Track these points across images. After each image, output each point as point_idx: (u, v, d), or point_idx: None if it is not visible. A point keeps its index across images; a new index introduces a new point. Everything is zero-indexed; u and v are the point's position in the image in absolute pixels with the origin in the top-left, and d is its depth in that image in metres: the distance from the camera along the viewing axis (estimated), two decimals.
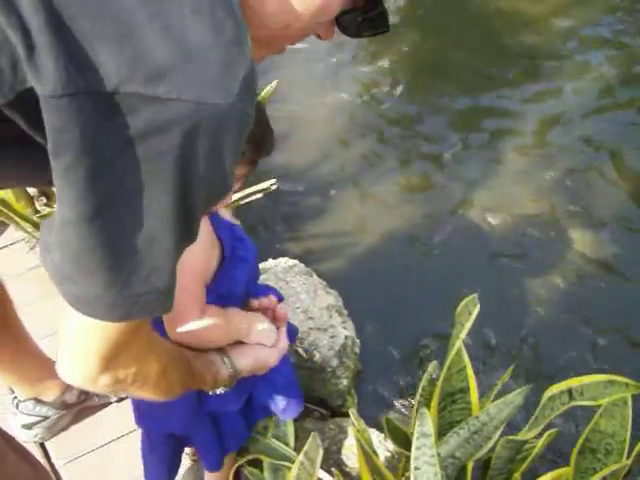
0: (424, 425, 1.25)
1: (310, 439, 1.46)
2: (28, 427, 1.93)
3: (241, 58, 0.74)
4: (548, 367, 2.23)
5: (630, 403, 1.36)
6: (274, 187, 2.20)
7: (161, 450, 1.66)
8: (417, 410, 1.30)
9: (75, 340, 0.89)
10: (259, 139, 1.25)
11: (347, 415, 2.25)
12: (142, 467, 1.82)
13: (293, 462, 1.69)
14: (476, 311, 1.38)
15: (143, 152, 0.71)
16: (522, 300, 2.65)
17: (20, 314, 1.76)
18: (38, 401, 1.90)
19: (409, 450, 1.36)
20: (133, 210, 0.73)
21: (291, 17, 0.87)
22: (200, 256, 1.28)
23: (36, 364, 1.86)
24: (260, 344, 1.41)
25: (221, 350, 1.35)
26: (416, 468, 1.25)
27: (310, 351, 2.10)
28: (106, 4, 0.69)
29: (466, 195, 3.08)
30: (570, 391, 1.28)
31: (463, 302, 1.44)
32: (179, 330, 1.27)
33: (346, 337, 2.16)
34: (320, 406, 2.21)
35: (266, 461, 1.71)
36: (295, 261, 2.36)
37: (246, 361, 1.37)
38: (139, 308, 0.81)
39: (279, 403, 1.60)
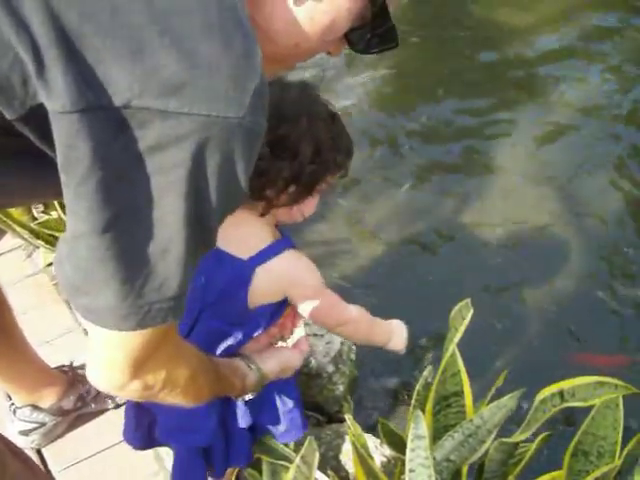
0: (419, 428, 1.27)
1: (306, 443, 1.47)
2: (25, 433, 1.94)
3: (251, 71, 0.75)
4: (543, 370, 2.24)
5: (621, 405, 1.38)
6: None
7: (199, 460, 1.61)
8: (412, 413, 1.31)
9: (100, 350, 0.90)
10: (348, 148, 1.33)
11: (343, 421, 2.26)
12: (136, 475, 1.84)
13: (291, 462, 1.70)
14: (469, 315, 1.40)
15: (154, 166, 0.72)
16: (518, 305, 2.68)
17: (17, 321, 1.77)
18: (35, 407, 1.91)
19: (404, 454, 1.38)
20: (145, 222, 0.75)
21: (300, 37, 0.89)
22: (316, 272, 1.38)
23: (33, 371, 1.87)
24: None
25: (245, 356, 1.38)
26: (411, 470, 1.27)
27: (306, 357, 2.11)
28: (116, 21, 0.70)
29: (468, 204, 3.10)
30: (562, 393, 1.30)
31: (457, 307, 1.46)
32: (339, 328, 1.45)
33: (342, 343, 2.17)
34: (316, 412, 2.22)
35: (265, 461, 1.72)
36: None
37: (271, 364, 1.39)
38: (151, 318, 0.82)
39: (280, 427, 1.60)
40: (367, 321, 1.47)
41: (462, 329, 1.39)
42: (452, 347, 1.40)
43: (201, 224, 0.78)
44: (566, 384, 1.31)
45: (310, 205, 1.34)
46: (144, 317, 0.81)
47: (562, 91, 3.75)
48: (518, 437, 1.34)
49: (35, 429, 1.94)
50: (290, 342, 1.50)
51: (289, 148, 1.23)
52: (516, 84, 3.84)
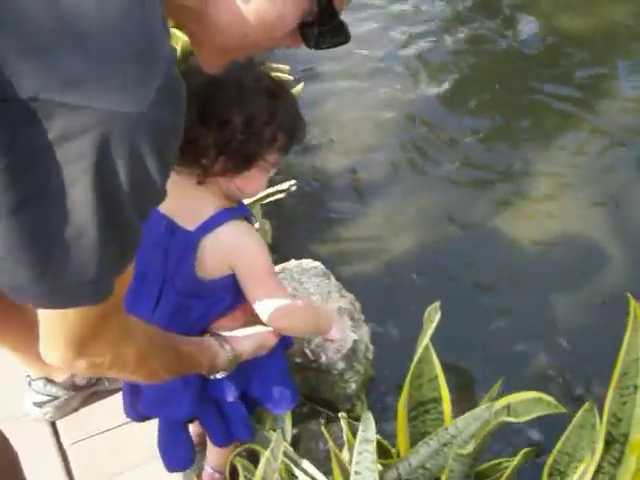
0: (367, 430, 1.23)
1: (275, 436, 1.46)
2: (39, 405, 2.02)
3: (154, 67, 0.77)
4: (534, 378, 2.14)
5: (598, 427, 1.28)
6: (294, 188, 2.21)
7: (181, 435, 1.71)
8: (363, 415, 1.28)
9: (44, 327, 0.95)
10: (290, 128, 1.34)
11: (355, 420, 2.24)
12: (146, 452, 1.88)
13: (286, 457, 1.70)
14: (437, 318, 1.34)
15: (62, 156, 0.75)
16: (517, 314, 2.60)
17: None
18: (48, 381, 1.99)
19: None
20: (58, 207, 0.78)
21: (247, 29, 0.92)
22: (266, 254, 1.38)
23: None
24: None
25: (219, 335, 1.41)
26: (357, 473, 1.23)
27: (317, 352, 2.09)
28: (20, 19, 0.73)
29: (496, 210, 3.04)
30: (509, 407, 1.23)
31: (427, 311, 1.40)
32: (280, 319, 1.37)
33: (355, 341, 2.14)
34: (329, 409, 2.20)
35: (263, 452, 1.72)
36: (317, 263, 2.36)
37: (246, 344, 1.42)
38: (70, 298, 0.85)
39: (271, 397, 1.62)
40: (314, 312, 1.45)
41: (430, 332, 1.34)
42: (420, 350, 1.34)
43: (113, 214, 0.81)
44: (512, 399, 1.23)
45: (252, 183, 1.34)
46: (62, 296, 0.85)
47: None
48: (465, 449, 1.27)
49: (48, 402, 2.01)
50: None
51: (217, 116, 1.25)
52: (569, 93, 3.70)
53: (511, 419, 1.22)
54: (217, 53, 0.97)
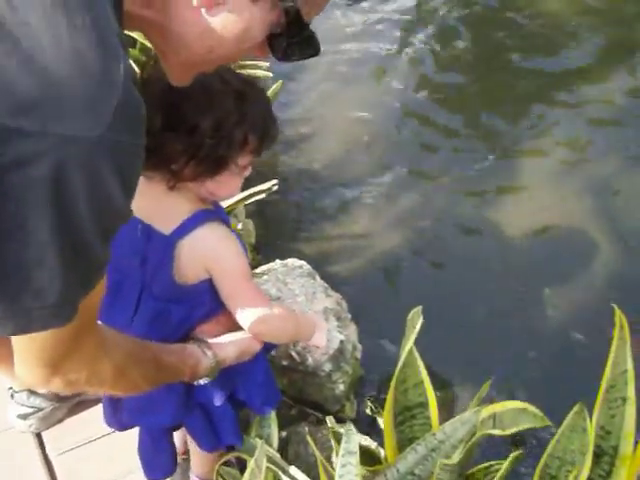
0: (350, 442, 1.20)
1: (259, 447, 1.43)
2: (23, 417, 1.99)
3: (110, 88, 0.75)
4: (521, 380, 2.12)
5: (590, 430, 1.26)
6: (276, 187, 2.18)
7: (164, 444, 1.69)
8: (345, 427, 1.25)
9: (17, 348, 0.93)
10: (262, 129, 1.30)
11: (344, 421, 2.21)
12: (132, 462, 1.85)
13: (273, 463, 1.68)
14: (419, 323, 1.31)
15: (16, 183, 0.73)
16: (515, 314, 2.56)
17: None
18: (32, 392, 1.96)
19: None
20: (15, 234, 0.76)
21: (213, 42, 0.91)
22: (242, 258, 1.34)
23: None
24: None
25: (201, 341, 1.38)
26: None
27: (303, 354, 2.06)
28: None
29: (482, 206, 3.01)
30: (494, 416, 1.20)
31: (409, 315, 1.37)
32: (257, 325, 1.34)
33: (342, 342, 2.11)
34: (316, 410, 2.18)
35: (250, 460, 1.70)
36: (302, 262, 2.33)
37: (229, 350, 1.39)
38: (30, 322, 0.83)
39: (258, 399, 1.61)
40: (294, 318, 1.42)
41: (413, 337, 1.31)
42: (404, 355, 1.31)
43: (73, 240, 0.79)
44: (498, 407, 1.21)
45: (224, 187, 1.31)
46: (23, 321, 0.82)
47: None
48: (454, 459, 1.25)
49: (33, 413, 1.98)
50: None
51: (184, 121, 1.22)
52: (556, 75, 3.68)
53: (496, 431, 1.19)
54: (183, 67, 0.96)
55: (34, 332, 0.85)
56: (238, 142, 1.26)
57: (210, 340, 1.39)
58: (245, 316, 1.34)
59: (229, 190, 1.34)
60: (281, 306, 1.40)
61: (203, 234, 1.31)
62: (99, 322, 1.00)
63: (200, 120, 1.22)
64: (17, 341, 0.90)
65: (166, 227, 1.32)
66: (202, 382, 1.39)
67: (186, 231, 1.31)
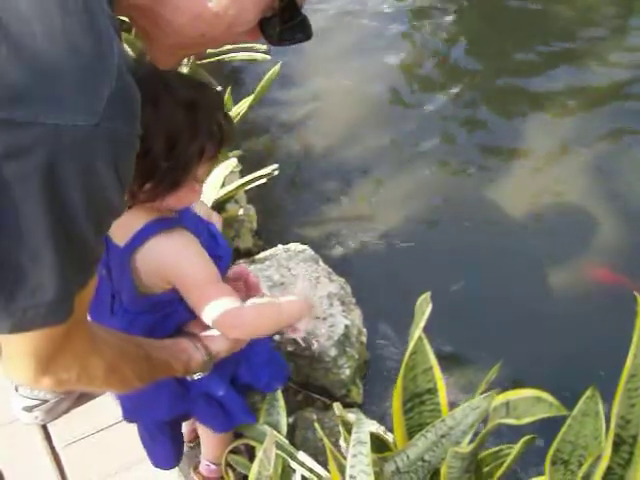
0: (361, 432, 1.19)
1: (267, 438, 1.42)
2: (28, 410, 1.98)
3: (104, 75, 0.73)
4: (533, 370, 2.09)
5: (602, 414, 1.24)
6: (276, 172, 2.15)
7: (162, 438, 1.68)
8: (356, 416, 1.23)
9: (7, 346, 0.91)
10: (217, 134, 1.22)
11: (351, 405, 2.21)
12: (140, 452, 1.85)
13: (282, 449, 1.67)
14: (428, 310, 1.29)
15: (9, 175, 0.71)
16: (517, 299, 2.52)
17: None
18: None
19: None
20: (10, 228, 0.74)
21: (205, 27, 0.90)
22: (202, 263, 1.28)
23: None
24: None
25: (193, 337, 1.35)
26: (351, 477, 1.19)
27: (308, 339, 2.05)
28: None
29: (483, 190, 2.97)
30: (508, 404, 1.18)
31: (418, 302, 1.35)
32: (231, 330, 1.29)
33: (347, 326, 2.09)
34: (324, 395, 2.16)
35: (259, 448, 1.69)
36: (305, 246, 2.31)
37: (221, 342, 1.35)
38: (27, 321, 0.81)
39: (261, 379, 1.60)
40: (270, 310, 1.34)
41: (422, 324, 1.29)
42: (412, 343, 1.30)
43: (68, 233, 0.78)
44: (512, 394, 1.19)
45: (184, 198, 1.24)
46: (20, 320, 0.81)
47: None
48: (466, 448, 1.23)
49: (37, 405, 1.97)
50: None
51: None
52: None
53: (511, 420, 1.18)
54: (171, 50, 0.95)
55: (32, 331, 0.84)
56: (195, 157, 1.18)
57: (202, 333, 1.35)
58: (217, 324, 1.28)
59: (190, 201, 1.27)
60: (256, 301, 1.32)
61: (156, 243, 1.25)
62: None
63: (151, 143, 1.12)
64: (8, 340, 0.88)
65: (121, 239, 1.26)
66: (196, 377, 1.36)
67: (139, 242, 1.25)
